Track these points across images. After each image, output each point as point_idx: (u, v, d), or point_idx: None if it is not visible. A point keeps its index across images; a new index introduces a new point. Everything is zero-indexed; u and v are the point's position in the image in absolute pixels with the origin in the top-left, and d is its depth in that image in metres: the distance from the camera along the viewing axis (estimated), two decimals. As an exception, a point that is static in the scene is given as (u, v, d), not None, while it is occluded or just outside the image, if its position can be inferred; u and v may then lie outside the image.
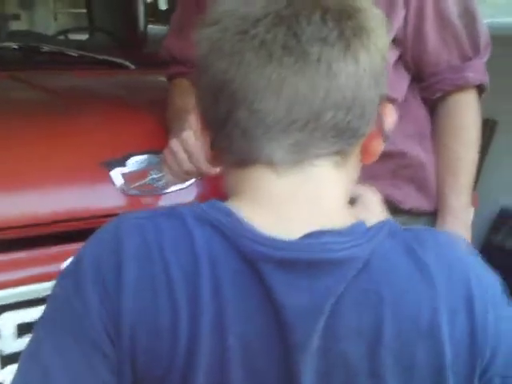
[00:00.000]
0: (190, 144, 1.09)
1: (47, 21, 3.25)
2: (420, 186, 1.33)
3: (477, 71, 1.31)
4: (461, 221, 1.32)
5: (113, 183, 1.28)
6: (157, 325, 0.59)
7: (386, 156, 1.14)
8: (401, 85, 1.28)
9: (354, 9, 0.61)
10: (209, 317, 0.58)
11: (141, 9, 2.99)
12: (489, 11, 2.74)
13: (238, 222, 0.60)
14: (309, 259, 0.58)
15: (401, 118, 1.16)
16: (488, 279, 0.65)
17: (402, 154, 1.30)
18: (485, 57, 1.32)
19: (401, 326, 0.59)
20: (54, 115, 1.47)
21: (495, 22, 2.45)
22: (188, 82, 1.39)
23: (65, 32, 2.78)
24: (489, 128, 2.49)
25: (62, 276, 0.65)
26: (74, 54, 2.15)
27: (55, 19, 3.29)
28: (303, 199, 0.62)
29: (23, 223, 1.19)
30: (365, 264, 0.59)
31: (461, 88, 1.31)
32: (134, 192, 1.29)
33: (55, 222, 1.21)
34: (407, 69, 1.29)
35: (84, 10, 3.11)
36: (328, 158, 0.62)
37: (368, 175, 1.15)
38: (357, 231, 0.60)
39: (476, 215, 1.81)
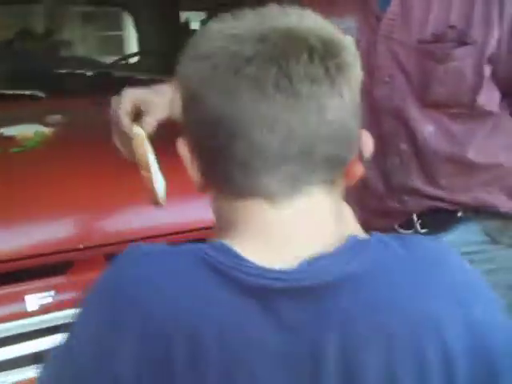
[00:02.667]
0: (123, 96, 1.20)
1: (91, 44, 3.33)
2: (510, 192, 1.37)
3: None
4: None
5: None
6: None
7: (482, 168, 1.34)
8: (494, 99, 1.31)
9: (335, 47, 0.65)
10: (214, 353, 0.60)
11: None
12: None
13: (239, 259, 0.62)
14: (311, 285, 0.61)
15: (495, 130, 1.34)
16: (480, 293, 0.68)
17: (497, 166, 1.35)
18: None
19: (411, 327, 0.62)
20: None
21: None
22: None
23: (125, 57, 2.99)
24: None
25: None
26: (141, 77, 2.34)
27: (96, 42, 3.32)
28: (299, 228, 0.65)
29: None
30: (364, 278, 0.63)
31: None
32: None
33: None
34: (498, 85, 1.31)
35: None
36: (319, 186, 0.66)
37: (462, 187, 1.34)
38: (350, 248, 0.64)
39: None
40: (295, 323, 0.61)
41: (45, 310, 1.27)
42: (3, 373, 1.27)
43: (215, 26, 0.66)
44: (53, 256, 1.29)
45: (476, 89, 1.27)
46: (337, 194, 0.69)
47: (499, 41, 1.26)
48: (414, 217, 1.37)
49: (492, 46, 1.25)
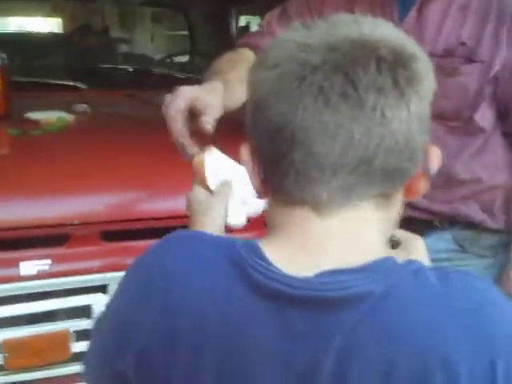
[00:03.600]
0: (180, 93, 1.06)
1: (146, 43, 3.54)
2: (485, 206, 1.44)
3: None
4: None
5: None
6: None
7: (464, 183, 1.41)
8: (489, 117, 1.38)
9: (406, 58, 0.62)
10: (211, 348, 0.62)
11: (234, 32, 3.28)
12: None
13: (261, 260, 0.63)
14: (322, 297, 0.60)
15: (483, 148, 1.41)
16: None
17: (478, 182, 1.42)
18: None
19: (412, 363, 0.58)
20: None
21: None
22: (252, 56, 1.42)
23: (170, 56, 3.20)
24: None
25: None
26: (181, 76, 2.54)
27: (152, 41, 3.55)
28: (338, 241, 0.64)
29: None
30: (380, 300, 0.60)
31: None
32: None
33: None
34: (495, 104, 1.38)
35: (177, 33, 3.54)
36: (370, 199, 0.64)
37: (442, 199, 1.41)
38: (377, 267, 0.61)
39: None
40: (299, 334, 0.60)
41: (41, 276, 1.40)
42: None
43: (286, 35, 0.66)
44: (51, 229, 1.41)
45: (475, 105, 1.35)
46: (391, 208, 0.67)
47: (504, 62, 1.32)
48: None
49: (497, 66, 1.32)
